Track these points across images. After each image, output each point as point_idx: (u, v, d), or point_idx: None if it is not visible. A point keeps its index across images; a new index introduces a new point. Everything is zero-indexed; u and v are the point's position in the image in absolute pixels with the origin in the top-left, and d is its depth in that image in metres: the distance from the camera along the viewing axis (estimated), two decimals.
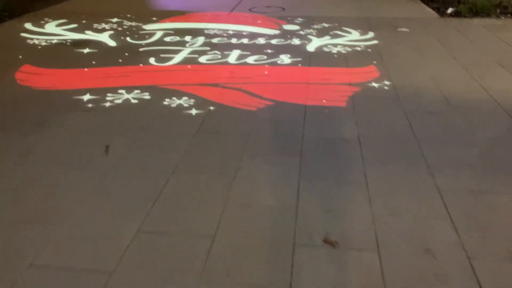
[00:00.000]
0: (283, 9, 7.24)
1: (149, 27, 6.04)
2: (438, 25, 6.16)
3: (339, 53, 4.90)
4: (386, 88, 3.86)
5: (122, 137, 2.99)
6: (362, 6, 7.40)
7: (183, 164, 2.67)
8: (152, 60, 4.63)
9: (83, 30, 5.84)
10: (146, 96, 3.70)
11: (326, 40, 5.42)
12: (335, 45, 5.19)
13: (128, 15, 6.68)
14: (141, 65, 4.50)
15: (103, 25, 6.09)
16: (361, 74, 4.22)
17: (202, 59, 4.69)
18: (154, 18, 6.48)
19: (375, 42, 5.31)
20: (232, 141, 2.94)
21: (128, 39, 5.46)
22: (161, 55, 4.79)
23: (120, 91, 3.79)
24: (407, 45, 5.16)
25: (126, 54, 4.85)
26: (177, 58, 4.72)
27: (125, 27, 6.04)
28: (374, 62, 4.56)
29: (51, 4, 7.53)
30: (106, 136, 3.00)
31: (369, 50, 5.00)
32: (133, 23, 6.22)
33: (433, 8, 7.19)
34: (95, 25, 6.08)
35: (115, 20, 6.40)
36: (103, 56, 4.81)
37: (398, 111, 3.40)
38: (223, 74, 4.25)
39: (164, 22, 6.30)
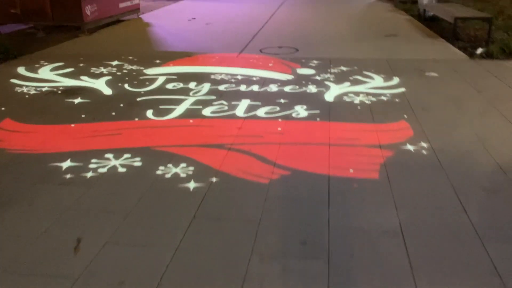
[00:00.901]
0: (296, 50, 6.72)
1: (151, 71, 5.54)
2: (469, 69, 5.55)
3: (362, 103, 4.30)
4: (424, 152, 3.22)
5: (97, 227, 2.36)
6: (381, 46, 6.87)
7: (173, 273, 2.02)
8: (149, 113, 4.06)
9: (79, 75, 5.35)
10: (137, 162, 3.10)
11: (346, 87, 4.83)
12: (356, 93, 4.60)
13: (130, 57, 6.21)
14: (136, 119, 3.94)
15: (102, 69, 5.61)
16: (391, 133, 3.59)
17: (207, 111, 4.12)
18: (158, 61, 6.00)
19: (401, 90, 4.71)
20: (238, 233, 2.30)
21: (126, 86, 4.93)
22: (161, 106, 4.23)
23: (107, 155, 3.20)
24: (440, 94, 4.55)
25: (121, 105, 4.31)
26: (179, 110, 4.16)
27: (125, 71, 5.55)
28: (405, 116, 3.94)
29: (52, 45, 7.14)
30: (79, 224, 2.38)
31: (397, 100, 4.39)
32: (134, 67, 5.73)
33: (459, 48, 6.62)
34: (93, 69, 5.60)
35: (115, 63, 5.92)
36: (95, 107, 4.27)
37: (445, 186, 2.74)
38: (229, 131, 3.66)
39: (168, 65, 5.81)
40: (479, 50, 6.18)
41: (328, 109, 4.16)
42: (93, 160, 3.13)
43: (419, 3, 9.32)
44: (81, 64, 5.85)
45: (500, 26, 7.77)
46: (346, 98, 4.45)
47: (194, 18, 9.96)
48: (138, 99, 4.48)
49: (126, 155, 3.20)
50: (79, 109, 4.21)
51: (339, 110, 4.12)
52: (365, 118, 3.91)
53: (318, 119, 3.92)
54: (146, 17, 10.25)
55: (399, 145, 3.33)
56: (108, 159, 3.15)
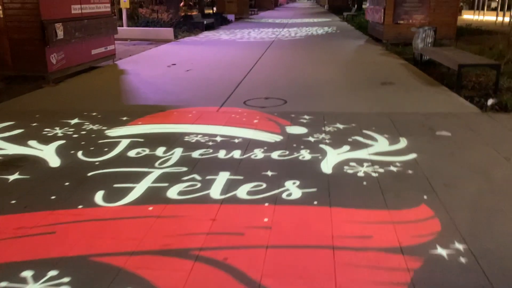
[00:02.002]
0: (285, 101, 5.98)
1: (114, 132, 4.69)
2: (485, 125, 4.82)
3: (368, 176, 3.48)
4: (462, 260, 2.36)
5: None
6: (379, 96, 6.17)
7: None
8: (98, 197, 3.17)
9: (27, 139, 4.48)
10: (64, 287, 2.18)
11: (345, 152, 4.02)
12: (359, 161, 3.79)
13: (94, 113, 5.38)
14: (80, 207, 3.04)
15: (56, 130, 4.75)
16: (412, 225, 2.74)
17: (173, 191, 3.25)
18: (125, 118, 5.18)
19: (412, 156, 3.91)
20: None
21: (79, 154, 4.06)
22: (115, 185, 3.35)
23: (24, 273, 2.28)
24: (461, 163, 3.76)
25: (67, 183, 3.42)
26: (137, 190, 3.28)
27: (83, 132, 4.69)
28: (425, 197, 3.11)
29: (9, 98, 6.29)
30: None
31: (410, 171, 3.58)
32: (96, 126, 4.89)
33: (466, 98, 5.94)
34: (46, 131, 4.73)
35: (74, 121, 5.08)
36: (32, 187, 3.37)
37: None
38: (200, 225, 2.78)
39: (136, 123, 4.98)
40: (491, 101, 5.49)
41: (326, 186, 3.32)
42: (2, 284, 2.20)
43: (414, 47, 8.78)
44: (34, 124, 4.99)
45: (504, 71, 7.17)
46: (347, 169, 3.63)
47: (175, 64, 9.28)
48: (89, 174, 3.60)
49: (52, 273, 2.28)
50: (12, 191, 3.31)
51: (341, 188, 3.29)
52: (375, 201, 3.06)
53: (315, 202, 3.07)
54: (122, 63, 9.55)
55: (426, 248, 2.47)
56: (23, 280, 2.23)
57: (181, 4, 42.43)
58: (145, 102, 6.06)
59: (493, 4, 30.78)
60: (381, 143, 4.25)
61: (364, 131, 4.60)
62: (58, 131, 4.73)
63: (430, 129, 4.66)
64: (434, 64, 8.21)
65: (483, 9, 23.40)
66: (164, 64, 9.24)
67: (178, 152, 4.05)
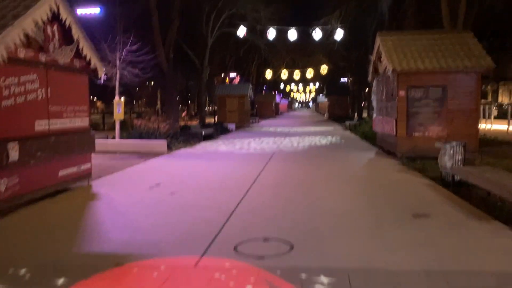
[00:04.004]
0: (291, 247, 4.40)
1: None
2: None
3: None
4: None
5: None
6: (418, 238, 4.60)
7: None
8: None
9: None
10: None
11: None
12: None
13: (24, 270, 3.79)
14: None
15: None
16: None
17: None
18: (62, 280, 3.57)
19: None
20: None
21: None
22: None
23: None
24: None
25: None
26: None
27: None
28: None
29: None
30: None
31: None
32: None
33: None
34: None
35: None
36: None
37: None
38: None
39: None
40: None
41: None
42: None
43: (441, 165, 7.44)
44: None
45: None
46: None
47: (159, 184, 7.90)
48: None
49: None
50: None
51: None
52: None
53: None
54: (99, 184, 8.18)
55: None
56: None
57: (184, 113, 43.28)
58: (101, 248, 4.48)
59: (494, 112, 30.64)
60: None
61: None
62: None
63: None
64: (467, 184, 6.79)
65: (489, 117, 22.90)
66: (146, 185, 7.86)
67: None
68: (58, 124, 7.01)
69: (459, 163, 7.18)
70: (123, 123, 21.37)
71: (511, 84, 43.12)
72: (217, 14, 24.85)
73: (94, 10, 15.23)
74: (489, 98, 43.81)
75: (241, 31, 24.14)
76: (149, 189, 7.54)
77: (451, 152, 7.20)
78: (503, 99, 44.15)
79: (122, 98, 15.07)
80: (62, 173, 7.15)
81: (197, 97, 35.65)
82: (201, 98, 28.06)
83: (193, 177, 8.76)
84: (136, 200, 6.73)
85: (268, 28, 24.11)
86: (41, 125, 6.56)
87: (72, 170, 7.45)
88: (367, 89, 36.61)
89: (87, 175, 7.98)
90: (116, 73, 14.14)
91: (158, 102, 45.68)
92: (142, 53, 14.39)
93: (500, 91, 45.20)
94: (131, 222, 5.46)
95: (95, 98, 63.26)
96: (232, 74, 39.55)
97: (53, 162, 6.85)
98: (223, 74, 38.81)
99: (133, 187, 7.81)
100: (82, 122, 7.74)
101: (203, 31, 24.96)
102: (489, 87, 44.23)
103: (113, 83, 14.33)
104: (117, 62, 14.02)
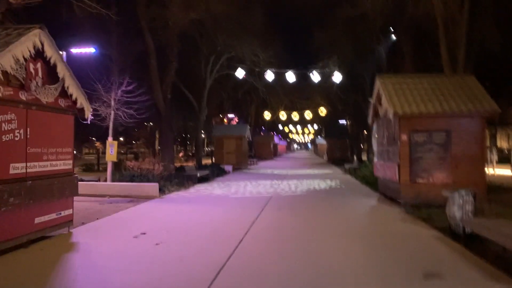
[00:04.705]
0: None
1: None
2: None
3: None
4: None
5: None
6: None
7: None
8: None
9: None
10: None
11: None
12: None
13: None
14: None
15: None
16: None
17: None
18: None
19: None
20: None
21: None
22: None
23: None
24: None
25: None
26: None
27: None
28: None
29: None
30: None
31: None
32: None
33: None
34: None
35: None
36: None
37: None
38: None
39: None
40: None
41: None
42: None
43: (449, 215, 6.89)
44: None
45: None
46: None
47: (144, 233, 7.29)
48: None
49: None
50: None
51: None
52: None
53: None
54: (80, 231, 7.57)
55: None
56: None
57: (180, 154, 42.83)
58: None
59: (495, 157, 30.23)
60: None
61: None
62: None
63: None
64: (480, 237, 6.21)
65: (491, 162, 22.47)
66: (131, 233, 7.25)
67: None
68: (37, 167, 6.52)
69: (469, 213, 6.63)
70: (118, 164, 20.88)
71: (509, 129, 43.10)
72: (216, 57, 24.97)
73: (89, 50, 15.13)
74: (488, 143, 43.64)
75: (240, 73, 24.20)
76: (133, 238, 6.93)
77: (460, 201, 6.67)
78: (502, 143, 44.01)
79: (113, 140, 14.64)
80: (39, 220, 6.57)
81: (195, 138, 35.35)
82: (199, 139, 27.73)
83: (182, 225, 8.15)
84: (118, 251, 6.13)
85: (267, 71, 24.20)
86: (17, 169, 6.06)
87: (51, 216, 6.87)
88: (365, 131, 36.48)
89: (67, 222, 7.39)
90: (110, 114, 13.80)
91: (157, 143, 45.38)
92: (137, 93, 14.11)
93: (498, 135, 45.12)
94: (107, 279, 4.84)
95: (94, 138, 63.06)
96: (231, 115, 39.51)
97: (29, 208, 6.29)
98: (221, 115, 38.76)
99: (116, 236, 7.20)
100: (64, 164, 7.24)
101: (202, 72, 24.99)
102: (487, 131, 44.20)
103: (107, 124, 13.95)
104: (112, 102, 13.72)
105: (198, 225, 8.11)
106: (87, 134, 45.57)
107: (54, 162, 6.95)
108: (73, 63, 18.45)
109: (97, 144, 69.71)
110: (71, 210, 7.48)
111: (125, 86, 13.78)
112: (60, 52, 7.04)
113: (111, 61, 14.73)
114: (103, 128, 14.44)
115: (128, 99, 13.98)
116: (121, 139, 54.48)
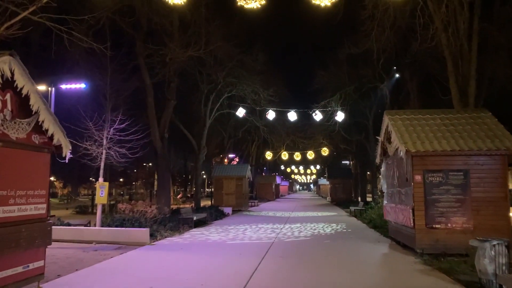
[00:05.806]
0: None
1: None
2: None
3: None
4: None
5: None
6: None
7: None
8: None
9: None
10: None
11: None
12: None
13: None
14: None
15: None
16: None
17: None
18: None
19: None
20: None
21: None
22: None
23: None
24: None
25: None
26: None
27: None
28: None
29: None
30: None
31: None
32: None
33: None
34: None
35: None
36: None
37: None
38: None
39: None
40: None
41: None
42: None
43: (479, 269, 5.91)
44: None
45: None
46: None
47: None
48: None
49: None
50: None
51: None
52: None
53: None
54: (54, 286, 6.57)
55: None
56: None
57: (179, 196, 41.67)
58: None
59: None
60: None
61: None
62: None
63: None
64: None
65: None
66: None
67: None
68: (1, 212, 5.64)
69: (504, 268, 5.65)
70: (113, 206, 19.91)
71: None
72: (216, 95, 24.53)
73: (79, 86, 14.58)
74: (510, 185, 42.45)
75: (240, 112, 23.65)
76: None
77: (492, 253, 5.72)
78: None
79: (104, 182, 13.79)
80: (1, 275, 5.61)
81: (195, 179, 34.38)
82: (198, 179, 26.77)
83: (168, 280, 7.11)
84: None
85: (268, 110, 23.66)
86: None
87: (16, 270, 5.91)
88: (368, 172, 35.52)
89: (37, 275, 6.40)
90: (102, 153, 13.03)
91: (156, 183, 44.41)
92: (131, 131, 13.39)
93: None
94: None
95: (93, 179, 62.09)
96: (231, 155, 38.74)
97: None
98: (221, 155, 38.01)
99: None
100: (36, 209, 6.35)
101: (201, 111, 24.46)
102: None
103: (98, 164, 13.15)
104: (104, 141, 12.98)
105: (187, 280, 7.07)
106: (85, 175, 44.65)
107: (23, 207, 6.07)
108: (63, 100, 17.90)
109: (96, 185, 68.69)
110: (42, 261, 6.51)
111: (118, 124, 13.10)
112: (47, 87, 6.36)
113: (104, 98, 14.12)
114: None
115: (121, 137, 13.27)
116: (121, 179, 53.51)
